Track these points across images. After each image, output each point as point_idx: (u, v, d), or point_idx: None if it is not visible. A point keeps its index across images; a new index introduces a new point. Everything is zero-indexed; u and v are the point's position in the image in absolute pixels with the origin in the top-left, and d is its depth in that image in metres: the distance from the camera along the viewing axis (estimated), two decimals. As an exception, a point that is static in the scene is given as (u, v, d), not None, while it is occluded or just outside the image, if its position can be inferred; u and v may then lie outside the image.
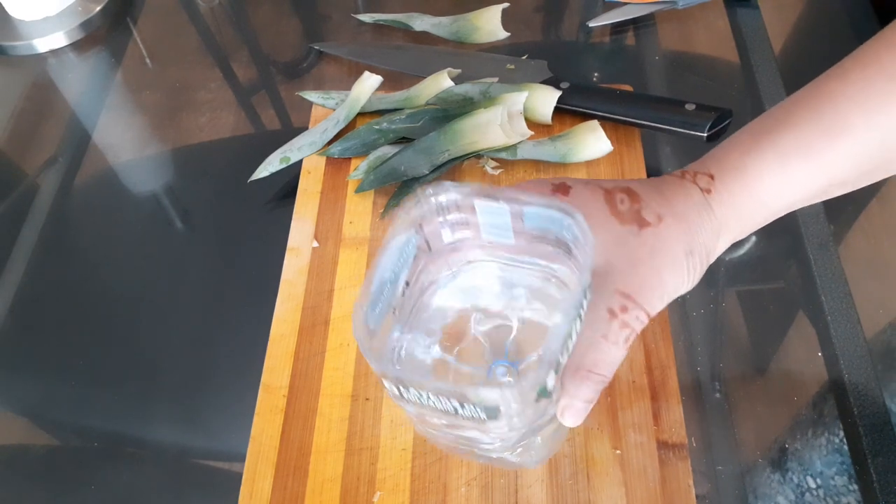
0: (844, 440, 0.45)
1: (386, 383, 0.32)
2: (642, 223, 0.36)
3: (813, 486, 0.45)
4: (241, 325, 0.54)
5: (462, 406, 0.31)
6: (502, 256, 0.40)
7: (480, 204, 0.36)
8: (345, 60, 0.70)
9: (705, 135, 0.55)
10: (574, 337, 0.33)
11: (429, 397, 0.31)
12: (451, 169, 0.58)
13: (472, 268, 0.41)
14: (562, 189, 0.38)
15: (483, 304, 0.41)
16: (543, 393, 0.32)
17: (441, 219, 0.37)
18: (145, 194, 0.64)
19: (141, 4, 0.79)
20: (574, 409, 0.34)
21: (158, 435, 0.50)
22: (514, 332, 0.41)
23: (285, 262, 0.55)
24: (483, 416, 0.31)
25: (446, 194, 0.36)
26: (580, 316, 0.33)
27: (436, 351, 0.40)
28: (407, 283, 0.38)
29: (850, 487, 0.44)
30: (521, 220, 0.36)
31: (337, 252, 0.56)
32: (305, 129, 0.63)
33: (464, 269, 0.40)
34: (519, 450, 0.40)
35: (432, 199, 0.37)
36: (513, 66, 0.65)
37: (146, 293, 0.58)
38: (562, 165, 0.58)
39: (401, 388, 0.32)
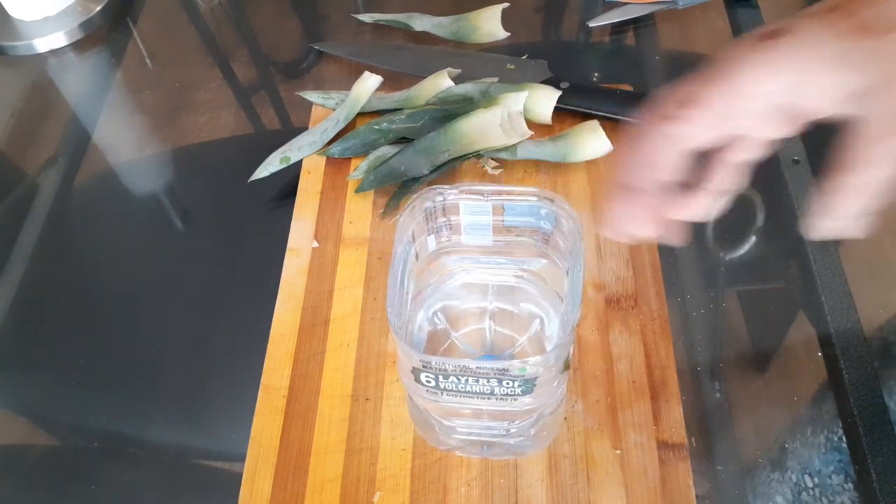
0: (843, 438, 0.45)
1: (423, 376, 0.34)
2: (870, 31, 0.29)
3: (810, 484, 0.45)
4: (241, 325, 0.54)
5: (500, 383, 0.33)
6: (478, 260, 0.43)
7: (466, 202, 0.39)
8: (345, 60, 0.70)
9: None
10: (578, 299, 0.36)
11: (468, 381, 0.34)
12: (451, 169, 0.58)
13: (450, 279, 0.43)
14: (770, 35, 0.31)
15: (460, 310, 0.44)
16: (567, 364, 0.36)
17: (429, 225, 0.39)
18: (145, 194, 0.64)
19: (141, 4, 0.79)
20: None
21: (158, 435, 0.50)
22: (489, 333, 0.45)
23: (285, 262, 0.55)
24: (519, 391, 0.34)
25: (442, 197, 0.39)
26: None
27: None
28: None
29: (845, 486, 0.44)
30: (501, 215, 0.39)
31: (337, 252, 0.56)
32: (305, 129, 0.63)
33: (441, 286, 0.43)
34: (521, 438, 0.42)
35: (427, 204, 0.39)
36: (513, 66, 0.65)
37: (146, 293, 0.58)
38: (562, 165, 0.58)
39: (440, 377, 0.34)
